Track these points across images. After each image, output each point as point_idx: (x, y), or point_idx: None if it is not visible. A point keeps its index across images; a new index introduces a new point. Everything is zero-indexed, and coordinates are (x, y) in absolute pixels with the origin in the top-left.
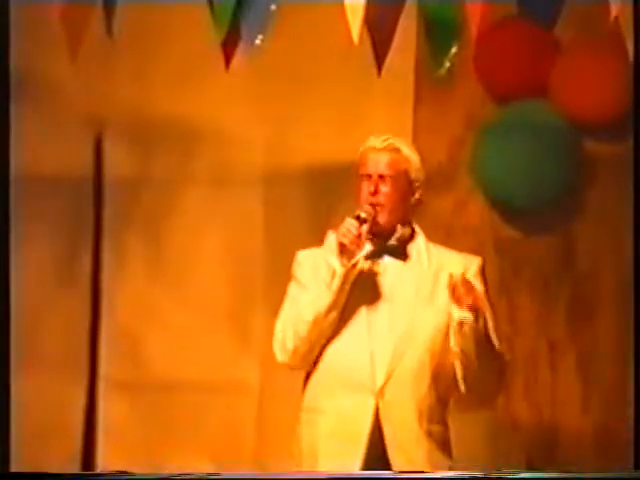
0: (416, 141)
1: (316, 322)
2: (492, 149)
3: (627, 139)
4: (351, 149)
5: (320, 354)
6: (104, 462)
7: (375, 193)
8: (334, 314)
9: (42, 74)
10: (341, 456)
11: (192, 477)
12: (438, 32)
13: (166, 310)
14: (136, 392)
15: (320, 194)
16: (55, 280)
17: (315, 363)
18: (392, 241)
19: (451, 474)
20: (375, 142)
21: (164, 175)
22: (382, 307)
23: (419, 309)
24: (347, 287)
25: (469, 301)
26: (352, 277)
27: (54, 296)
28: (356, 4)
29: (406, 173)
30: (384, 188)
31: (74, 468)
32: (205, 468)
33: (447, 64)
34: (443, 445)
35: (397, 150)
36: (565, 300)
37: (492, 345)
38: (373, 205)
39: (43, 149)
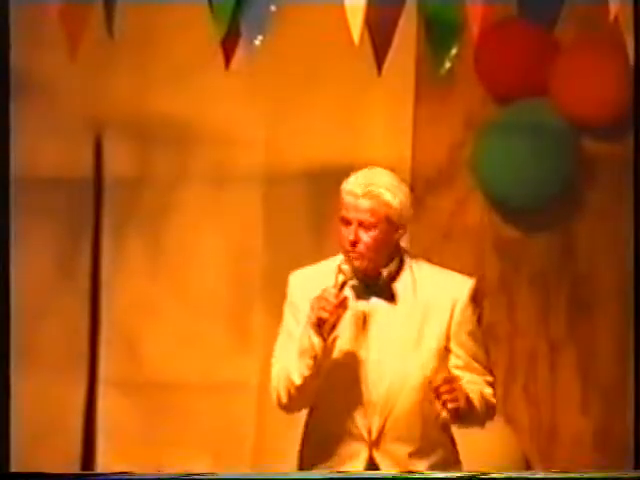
0: (416, 141)
1: (305, 385)
2: (492, 149)
3: (627, 139)
4: (350, 148)
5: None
6: (104, 462)
7: (355, 243)
8: (320, 380)
9: (42, 73)
10: None
11: (192, 477)
12: (438, 32)
13: (165, 309)
14: (135, 391)
15: (319, 193)
16: (55, 279)
17: (312, 409)
18: (378, 283)
19: (451, 474)
20: (355, 187)
21: (164, 174)
22: (372, 352)
23: (408, 353)
24: (330, 355)
25: (453, 406)
26: (335, 347)
27: (54, 295)
28: (356, 4)
29: (387, 218)
30: (365, 236)
31: (74, 468)
32: (204, 467)
33: (447, 64)
34: (450, 465)
35: (377, 196)
36: (565, 299)
37: (478, 414)
38: (353, 258)
39: (43, 148)
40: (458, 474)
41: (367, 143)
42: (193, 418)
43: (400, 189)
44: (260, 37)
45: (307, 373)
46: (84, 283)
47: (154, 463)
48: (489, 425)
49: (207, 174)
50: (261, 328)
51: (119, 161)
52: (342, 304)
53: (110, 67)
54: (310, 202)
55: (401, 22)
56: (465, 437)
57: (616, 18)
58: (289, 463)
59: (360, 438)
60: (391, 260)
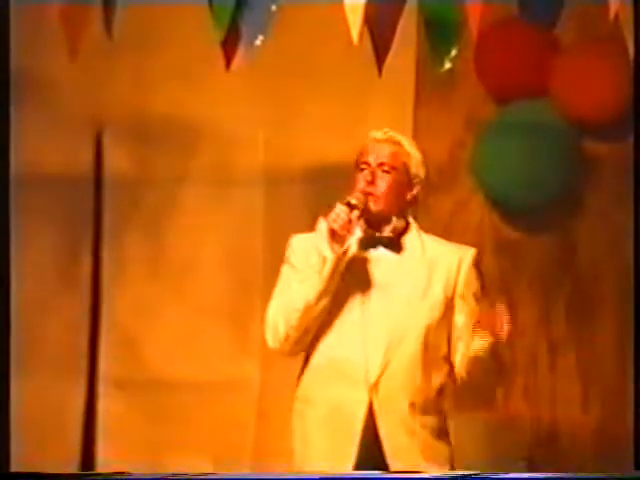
0: (416, 141)
1: (307, 310)
2: (492, 149)
3: (627, 139)
4: (351, 149)
5: (314, 342)
6: (103, 461)
7: (372, 182)
8: (325, 301)
9: (42, 73)
10: (333, 450)
11: (191, 477)
12: (439, 32)
13: (166, 309)
14: (135, 391)
15: (320, 194)
16: (55, 280)
17: (309, 353)
18: (386, 232)
19: (451, 474)
20: (376, 134)
21: (164, 175)
22: (376, 299)
23: (413, 302)
24: (338, 274)
25: (501, 330)
26: (343, 264)
27: (54, 296)
28: (356, 4)
29: (405, 166)
30: (382, 178)
31: (73, 468)
32: (204, 467)
33: (448, 64)
34: (439, 434)
35: (398, 143)
36: (565, 300)
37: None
38: (368, 194)
39: (43, 148)
40: (458, 474)
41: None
42: (193, 418)
43: (418, 149)
44: (261, 37)
45: (311, 293)
46: (84, 283)
47: (154, 463)
48: (489, 425)
49: (207, 174)
50: (261, 328)
51: (119, 161)
52: (352, 221)
53: (110, 67)
54: (310, 202)
55: (401, 22)
56: (465, 437)
57: (616, 18)
58: (289, 463)
59: (360, 381)
60: (401, 218)
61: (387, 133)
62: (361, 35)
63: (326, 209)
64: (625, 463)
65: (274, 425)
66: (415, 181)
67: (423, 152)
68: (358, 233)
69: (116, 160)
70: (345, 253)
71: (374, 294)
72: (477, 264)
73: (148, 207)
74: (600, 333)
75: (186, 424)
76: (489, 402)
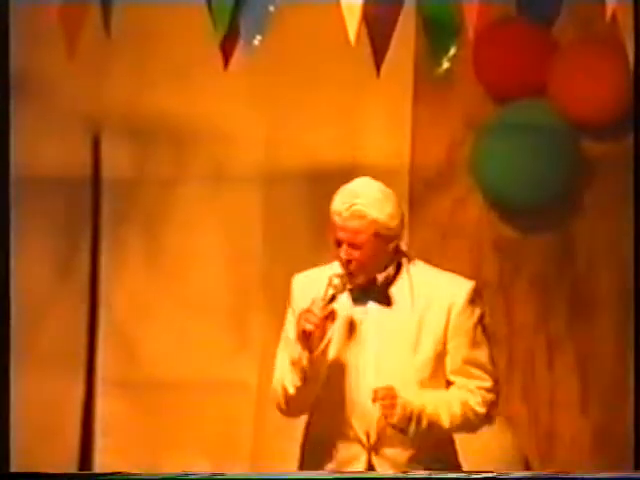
0: (415, 141)
1: (298, 394)
2: (491, 149)
3: (626, 138)
4: (349, 148)
5: (314, 406)
6: (102, 461)
7: (349, 261)
8: (313, 384)
9: (41, 73)
10: None
11: (191, 477)
12: (437, 32)
13: (164, 309)
14: (134, 391)
15: (318, 193)
16: (54, 279)
17: (310, 419)
18: (374, 288)
19: (451, 474)
20: (341, 208)
21: (162, 174)
22: (369, 357)
23: (405, 358)
24: (321, 367)
25: (390, 417)
26: (326, 359)
27: (53, 295)
28: (353, 5)
29: (376, 234)
30: (357, 255)
31: (73, 468)
32: (203, 467)
33: (446, 64)
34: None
35: (363, 216)
36: (564, 300)
37: (445, 430)
38: (350, 275)
39: (42, 148)
40: (457, 474)
41: (366, 143)
42: (192, 418)
43: (388, 199)
44: (259, 37)
45: (298, 384)
46: (83, 282)
47: (152, 462)
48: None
49: (206, 174)
50: (260, 328)
51: (117, 161)
52: (329, 317)
53: (109, 67)
54: (309, 202)
55: (400, 22)
56: (464, 437)
57: (615, 18)
58: (288, 463)
59: (359, 443)
60: (389, 264)
61: (349, 209)
62: (359, 35)
63: (324, 208)
64: (625, 463)
65: (273, 425)
66: (391, 234)
67: (422, 152)
68: (331, 329)
69: (115, 160)
70: (325, 348)
71: (368, 352)
72: (472, 300)
73: (146, 207)
74: (599, 333)
75: (184, 424)
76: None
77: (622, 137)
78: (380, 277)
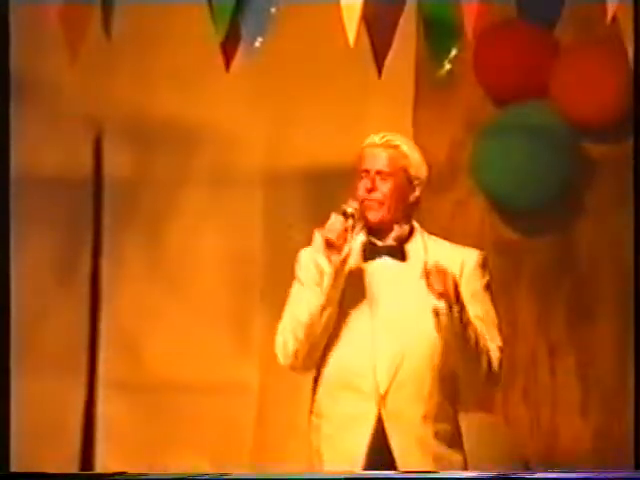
0: (416, 142)
1: (312, 323)
2: (492, 150)
3: (627, 140)
4: (351, 150)
5: (325, 357)
6: (103, 462)
7: (372, 190)
8: (329, 312)
9: (42, 75)
10: (343, 464)
11: (192, 478)
12: (438, 33)
13: (165, 310)
14: (135, 392)
15: (319, 195)
16: (55, 280)
17: (320, 366)
18: (390, 241)
19: (451, 474)
20: (374, 139)
21: (164, 176)
22: (383, 309)
23: (418, 311)
24: (340, 283)
25: (440, 288)
26: (344, 273)
27: (54, 296)
28: (352, 7)
29: (405, 170)
30: (382, 185)
31: (73, 468)
32: (204, 468)
33: (447, 66)
34: (452, 443)
35: (396, 147)
36: (565, 301)
37: (470, 337)
38: (370, 201)
39: (43, 150)
40: (458, 474)
41: None
42: (193, 419)
43: (416, 149)
44: (260, 39)
45: (314, 305)
46: (84, 284)
47: (153, 463)
48: (489, 427)
49: (207, 176)
50: (261, 330)
51: (119, 162)
52: (349, 230)
53: (110, 68)
54: (309, 203)
55: (401, 23)
56: (465, 437)
57: (615, 19)
58: (289, 464)
59: (369, 394)
60: (403, 222)
61: (384, 137)
62: (361, 37)
63: (325, 210)
64: (625, 463)
65: (274, 426)
66: (416, 183)
67: (423, 153)
68: (356, 240)
69: (116, 161)
70: (344, 262)
71: (381, 305)
72: (483, 266)
73: (148, 208)
74: (600, 335)
75: (186, 425)
76: (489, 403)
77: (623, 139)
78: (396, 229)
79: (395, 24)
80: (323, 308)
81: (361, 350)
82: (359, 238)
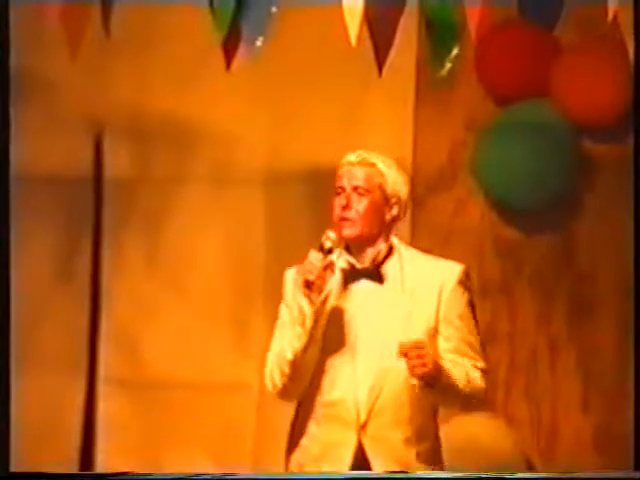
0: (417, 142)
1: (295, 360)
2: (493, 150)
3: (627, 139)
4: (351, 149)
5: (310, 385)
6: (103, 461)
7: (347, 207)
8: (313, 350)
9: (42, 73)
10: None
11: (192, 478)
12: (439, 33)
13: (165, 309)
14: (135, 392)
15: (320, 194)
16: (55, 279)
17: (302, 398)
18: (367, 260)
19: (449, 474)
20: (350, 157)
21: (164, 174)
22: (362, 335)
23: (397, 335)
24: (322, 320)
25: (419, 372)
26: (325, 311)
27: (53, 295)
28: (354, 7)
29: (381, 188)
30: (357, 202)
31: (73, 468)
32: (205, 467)
33: (448, 65)
34: (434, 460)
35: (372, 165)
36: (565, 300)
37: (449, 388)
38: (345, 220)
39: (43, 148)
40: (457, 474)
41: (368, 144)
42: (193, 418)
43: (394, 166)
44: (261, 38)
45: (297, 345)
46: (84, 282)
47: (153, 462)
48: (489, 424)
49: (207, 175)
50: (261, 328)
51: (119, 161)
52: (328, 267)
53: (111, 67)
54: (311, 203)
55: (402, 23)
56: (465, 437)
57: (616, 19)
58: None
59: (349, 423)
60: (381, 242)
61: (360, 155)
62: (361, 36)
63: (326, 209)
64: (625, 463)
65: (273, 425)
66: (393, 201)
67: (423, 153)
68: (338, 276)
69: (116, 160)
70: (325, 300)
71: (360, 330)
72: (464, 282)
73: (147, 207)
74: (600, 333)
75: (186, 424)
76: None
77: (623, 138)
78: (371, 250)
79: (396, 23)
80: (306, 347)
81: (343, 379)
82: (339, 264)
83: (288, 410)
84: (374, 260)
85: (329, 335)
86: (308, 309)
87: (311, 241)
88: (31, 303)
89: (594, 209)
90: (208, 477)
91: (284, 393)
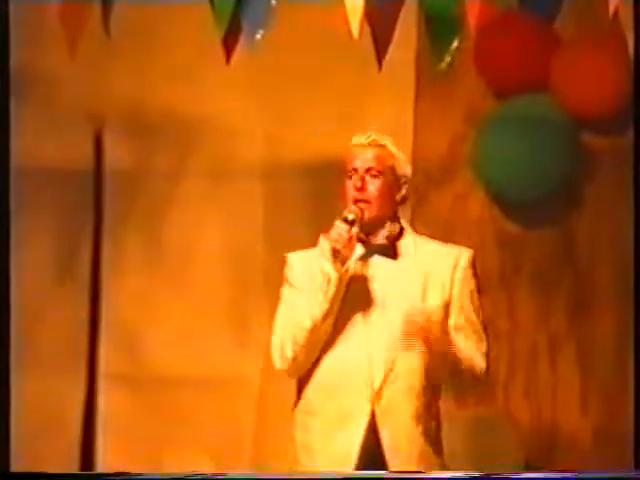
0: (417, 135)
1: (314, 329)
2: (493, 143)
3: (627, 133)
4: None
5: (317, 360)
6: (104, 459)
7: (362, 189)
8: (331, 320)
9: (42, 70)
10: (336, 460)
11: (192, 477)
12: (439, 26)
13: (165, 306)
14: (135, 390)
15: (319, 189)
16: (55, 274)
17: (311, 369)
18: (381, 240)
19: (449, 474)
20: (360, 139)
21: (164, 169)
22: (376, 308)
23: (410, 309)
24: (342, 291)
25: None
26: (345, 281)
27: (53, 291)
28: (355, 0)
29: (392, 169)
30: (371, 183)
31: (74, 467)
32: (204, 466)
33: (448, 58)
34: (435, 443)
35: (383, 146)
36: (565, 295)
37: (454, 359)
38: (360, 201)
39: (43, 144)
40: (457, 474)
41: None
42: (193, 416)
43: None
44: (261, 31)
45: (318, 313)
46: (84, 278)
47: (153, 460)
48: (488, 423)
49: (207, 169)
50: (261, 324)
51: (119, 156)
52: (352, 240)
53: (111, 62)
54: (310, 197)
55: (401, 17)
56: (466, 437)
57: (616, 13)
58: (289, 462)
59: (363, 391)
60: (392, 222)
61: (370, 137)
62: (361, 30)
63: (325, 204)
64: (625, 463)
65: (273, 423)
66: (402, 181)
67: (423, 146)
68: (359, 249)
69: (116, 155)
70: (347, 270)
71: (374, 304)
72: (473, 265)
73: (148, 202)
74: (600, 330)
75: (186, 422)
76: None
77: (623, 131)
78: (386, 228)
79: (396, 17)
80: (326, 315)
81: (356, 351)
82: (359, 247)
83: (288, 405)
84: (388, 237)
85: (344, 305)
86: (334, 275)
87: (310, 235)
88: (31, 299)
89: (594, 202)
90: (208, 477)
91: (292, 366)
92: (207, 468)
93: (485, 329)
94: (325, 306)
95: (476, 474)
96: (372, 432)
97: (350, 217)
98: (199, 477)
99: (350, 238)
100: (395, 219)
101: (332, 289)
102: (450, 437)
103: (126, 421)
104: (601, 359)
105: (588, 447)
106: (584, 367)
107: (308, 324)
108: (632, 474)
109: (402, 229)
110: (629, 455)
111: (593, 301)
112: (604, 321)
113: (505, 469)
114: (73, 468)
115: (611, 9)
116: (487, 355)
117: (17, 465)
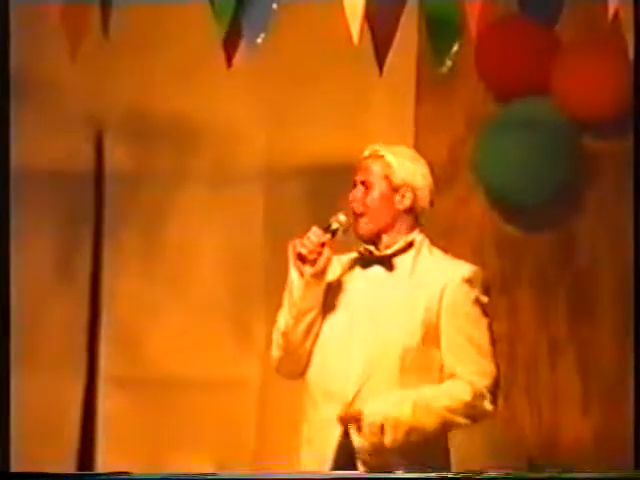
0: (417, 139)
1: (286, 332)
2: (493, 147)
3: (627, 136)
4: (352, 147)
5: (308, 364)
6: (103, 460)
7: (353, 200)
8: (304, 325)
9: (43, 72)
10: (314, 464)
11: (192, 477)
12: (439, 30)
13: (165, 307)
14: (135, 391)
15: (320, 193)
16: (55, 276)
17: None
18: (382, 251)
19: (450, 474)
20: (365, 151)
21: (164, 172)
22: (363, 318)
23: (396, 323)
24: (315, 295)
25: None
26: (320, 285)
27: (53, 292)
28: (355, 3)
29: (387, 178)
30: (363, 195)
31: (73, 467)
32: (205, 467)
33: (448, 62)
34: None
35: (380, 157)
36: (565, 298)
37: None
38: (355, 213)
39: (44, 147)
40: (456, 474)
41: (368, 142)
42: (193, 417)
43: (413, 159)
44: (262, 35)
45: (288, 316)
46: (84, 280)
47: (153, 461)
48: (488, 424)
49: (208, 172)
50: (262, 326)
51: (120, 160)
52: (326, 244)
53: (111, 65)
54: (311, 201)
55: (402, 20)
56: (466, 436)
57: (616, 16)
58: (290, 463)
59: (338, 400)
60: (398, 234)
61: (371, 149)
62: (362, 33)
63: (326, 208)
64: (625, 463)
65: (274, 424)
66: (403, 190)
67: (424, 150)
68: (328, 255)
69: (117, 159)
70: (321, 274)
71: (362, 314)
72: (471, 280)
73: (148, 205)
74: (600, 332)
75: (186, 423)
76: None
77: (623, 135)
78: (386, 240)
79: (396, 21)
80: (297, 319)
81: (338, 358)
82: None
83: (288, 408)
84: (387, 248)
85: (329, 311)
86: (298, 281)
87: None
88: (31, 300)
89: (594, 206)
90: (208, 477)
91: (279, 366)
92: (207, 469)
93: (493, 354)
94: (293, 311)
95: (475, 474)
96: (347, 439)
97: (333, 226)
98: (199, 478)
99: (322, 244)
100: (400, 231)
101: (296, 294)
102: (450, 438)
103: (126, 421)
104: (601, 362)
105: (588, 448)
106: (584, 370)
107: (282, 327)
108: (632, 474)
109: (411, 244)
110: (629, 456)
111: (593, 305)
112: (604, 324)
113: (505, 469)
114: (73, 468)
115: (610, 11)
116: (494, 386)
117: (17, 465)
